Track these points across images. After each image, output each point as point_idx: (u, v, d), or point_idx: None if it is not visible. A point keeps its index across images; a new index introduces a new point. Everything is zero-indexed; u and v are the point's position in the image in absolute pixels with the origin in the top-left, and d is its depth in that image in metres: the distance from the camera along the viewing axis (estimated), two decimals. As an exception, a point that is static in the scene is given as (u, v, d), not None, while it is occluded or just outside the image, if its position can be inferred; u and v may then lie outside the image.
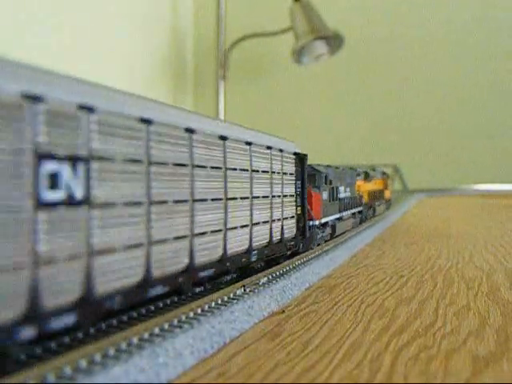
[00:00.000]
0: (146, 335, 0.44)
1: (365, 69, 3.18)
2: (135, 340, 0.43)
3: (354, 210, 1.29)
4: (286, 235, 0.80)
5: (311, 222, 0.92)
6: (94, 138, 0.41)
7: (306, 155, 0.89)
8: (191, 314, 0.51)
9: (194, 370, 0.44)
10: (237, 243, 0.65)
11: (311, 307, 0.65)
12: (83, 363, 0.37)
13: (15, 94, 0.34)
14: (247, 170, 0.68)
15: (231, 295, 0.60)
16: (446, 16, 3.09)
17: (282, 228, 0.79)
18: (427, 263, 0.96)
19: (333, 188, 1.08)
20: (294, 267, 0.79)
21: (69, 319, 0.38)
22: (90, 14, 2.28)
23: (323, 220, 1.00)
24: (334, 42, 2.65)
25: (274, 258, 0.78)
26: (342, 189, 1.16)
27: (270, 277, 0.71)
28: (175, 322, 0.48)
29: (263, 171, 0.73)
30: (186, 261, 0.53)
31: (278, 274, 0.73)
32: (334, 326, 0.57)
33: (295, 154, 0.86)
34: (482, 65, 3.04)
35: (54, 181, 0.36)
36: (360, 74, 3.18)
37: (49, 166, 0.36)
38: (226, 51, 2.96)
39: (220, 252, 0.61)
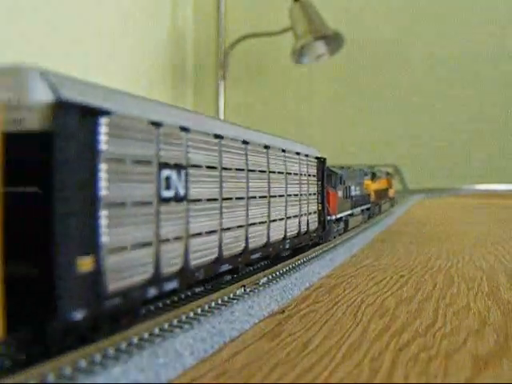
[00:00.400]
0: (146, 335, 0.44)
1: (365, 69, 3.18)
2: (135, 340, 0.43)
3: (363, 207, 1.41)
4: (310, 228, 0.94)
5: (329, 217, 1.04)
6: (190, 151, 0.54)
7: (325, 159, 1.01)
8: (191, 314, 0.51)
9: (194, 370, 0.44)
10: (276, 233, 0.78)
11: (311, 307, 0.65)
12: (83, 363, 0.37)
13: (146, 122, 0.47)
14: (283, 173, 0.81)
15: (231, 295, 0.60)
16: (449, 14, 3.09)
17: (308, 222, 0.93)
18: (427, 263, 0.96)
19: (346, 187, 1.20)
20: (293, 267, 0.79)
21: (173, 284, 0.51)
22: (89, 14, 2.28)
23: (338, 215, 1.12)
24: (334, 41, 2.65)
25: (300, 246, 0.90)
26: (353, 188, 1.28)
27: (270, 277, 0.71)
28: (175, 322, 0.48)
29: (294, 173, 0.86)
30: (243, 245, 0.67)
31: (277, 273, 0.73)
32: (334, 325, 0.57)
33: (317, 158, 0.99)
34: (482, 66, 3.04)
35: (168, 183, 0.50)
36: (360, 74, 3.18)
37: (165, 173, 0.49)
38: (225, 51, 2.96)
39: (265, 239, 0.74)
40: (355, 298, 0.69)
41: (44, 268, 0.36)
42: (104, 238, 0.40)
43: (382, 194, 1.75)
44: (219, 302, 0.57)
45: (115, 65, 2.46)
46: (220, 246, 0.60)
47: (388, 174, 2.00)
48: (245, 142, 0.68)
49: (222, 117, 2.96)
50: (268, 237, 0.75)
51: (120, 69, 2.50)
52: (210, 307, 0.54)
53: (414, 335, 0.53)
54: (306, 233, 0.92)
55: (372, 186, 1.55)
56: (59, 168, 0.37)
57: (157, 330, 0.46)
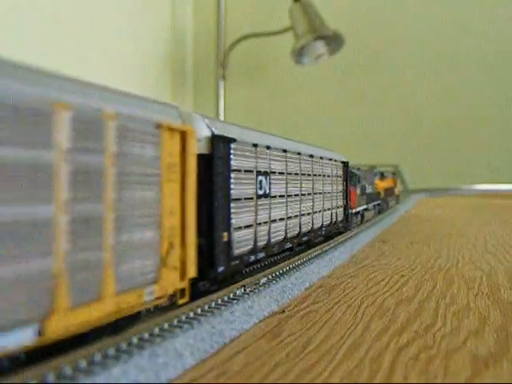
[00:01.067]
0: (146, 335, 0.44)
1: (364, 69, 3.18)
2: (135, 340, 0.43)
3: (374, 203, 1.62)
4: (338, 219, 1.15)
5: (350, 211, 1.24)
6: (271, 162, 0.76)
7: (348, 162, 1.23)
8: (191, 314, 0.51)
9: (194, 370, 0.44)
10: (317, 221, 0.99)
11: (311, 307, 0.65)
12: (83, 363, 0.37)
13: (251, 145, 0.70)
14: (321, 175, 1.02)
15: (231, 295, 0.60)
16: (449, 15, 3.09)
17: (337, 214, 1.14)
18: (427, 263, 0.97)
19: (362, 186, 1.40)
20: (293, 267, 0.79)
21: (262, 254, 0.73)
22: (89, 14, 2.28)
23: (357, 209, 1.33)
24: (334, 41, 2.65)
25: (330, 235, 1.10)
26: (367, 186, 1.48)
27: (270, 277, 0.71)
28: (175, 322, 0.48)
29: (328, 175, 1.07)
30: (298, 230, 0.88)
31: (277, 273, 0.73)
32: (334, 326, 0.57)
33: (342, 162, 1.20)
34: (482, 66, 3.04)
35: (260, 185, 0.72)
36: (359, 75, 3.19)
37: (259, 178, 0.71)
38: (225, 51, 2.96)
39: (310, 226, 0.95)
40: (355, 298, 0.69)
41: (209, 239, 0.58)
42: (232, 221, 0.63)
43: (389, 191, 1.96)
44: (219, 302, 0.57)
45: (115, 65, 2.46)
46: (286, 230, 0.82)
47: (394, 174, 2.23)
48: (298, 153, 0.89)
49: (221, 117, 2.96)
50: (312, 224, 0.96)
51: (120, 69, 2.50)
52: (209, 307, 0.55)
53: (414, 335, 0.53)
54: (335, 223, 1.13)
55: (381, 185, 1.77)
56: (216, 177, 0.59)
57: (157, 330, 0.46)
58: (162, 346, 0.43)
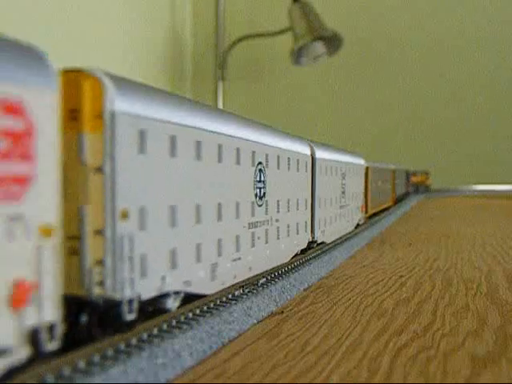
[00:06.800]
0: (145, 336, 0.44)
1: (364, 70, 3.18)
2: (134, 341, 0.43)
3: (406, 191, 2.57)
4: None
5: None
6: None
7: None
8: (190, 315, 0.51)
9: (192, 370, 0.44)
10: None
11: (310, 308, 0.65)
12: (82, 364, 0.37)
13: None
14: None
15: (230, 296, 0.60)
16: (450, 13, 3.09)
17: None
18: (426, 263, 0.97)
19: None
20: (293, 267, 0.79)
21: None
22: (88, 14, 2.28)
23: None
24: (333, 42, 2.65)
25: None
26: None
27: (269, 277, 0.71)
28: (174, 322, 0.48)
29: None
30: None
31: (276, 274, 0.73)
32: (333, 326, 0.57)
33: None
34: (482, 67, 3.04)
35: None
36: (359, 75, 3.19)
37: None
38: (224, 52, 2.96)
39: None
40: (354, 299, 0.69)
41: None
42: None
43: (421, 183, 3.14)
44: (218, 302, 0.57)
45: (113, 66, 2.45)
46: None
47: (426, 173, 3.20)
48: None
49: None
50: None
51: (119, 70, 2.49)
52: (208, 308, 0.54)
53: (412, 336, 0.53)
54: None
55: (414, 179, 2.90)
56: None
57: (156, 331, 0.46)
58: (160, 347, 0.43)
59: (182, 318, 0.50)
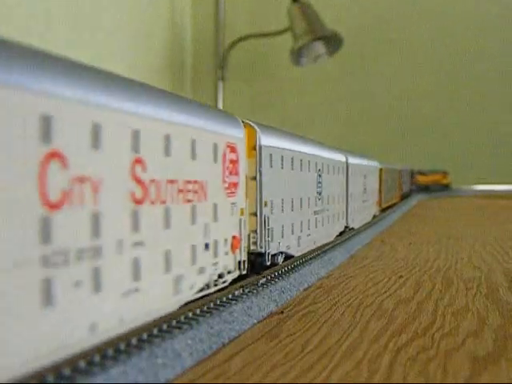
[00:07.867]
0: (145, 336, 0.44)
1: (364, 70, 3.18)
2: (134, 341, 0.43)
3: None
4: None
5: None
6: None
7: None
8: (190, 315, 0.51)
9: (192, 370, 0.44)
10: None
11: (310, 308, 0.65)
12: (82, 364, 0.37)
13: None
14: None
15: (230, 296, 0.60)
16: (449, 13, 3.09)
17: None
18: (426, 263, 0.97)
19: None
20: (292, 267, 0.79)
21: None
22: (87, 14, 2.28)
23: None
24: (333, 42, 2.65)
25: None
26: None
27: (269, 277, 0.71)
28: (174, 322, 0.48)
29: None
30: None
31: (276, 274, 0.73)
32: (333, 326, 0.57)
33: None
34: (482, 67, 3.04)
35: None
36: (359, 75, 3.19)
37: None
38: (224, 52, 2.96)
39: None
40: (354, 299, 0.69)
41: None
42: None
43: (436, 182, 3.16)
44: (218, 302, 0.57)
45: (113, 65, 2.45)
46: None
47: (444, 172, 3.20)
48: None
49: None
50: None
51: (119, 69, 2.49)
52: (208, 308, 0.54)
53: (412, 336, 0.53)
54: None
55: (423, 179, 3.10)
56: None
57: (155, 331, 0.46)
58: (160, 347, 0.43)
59: (182, 318, 0.50)
